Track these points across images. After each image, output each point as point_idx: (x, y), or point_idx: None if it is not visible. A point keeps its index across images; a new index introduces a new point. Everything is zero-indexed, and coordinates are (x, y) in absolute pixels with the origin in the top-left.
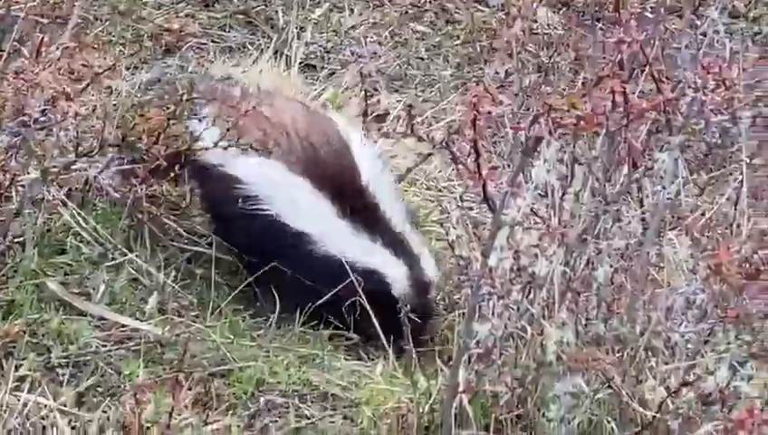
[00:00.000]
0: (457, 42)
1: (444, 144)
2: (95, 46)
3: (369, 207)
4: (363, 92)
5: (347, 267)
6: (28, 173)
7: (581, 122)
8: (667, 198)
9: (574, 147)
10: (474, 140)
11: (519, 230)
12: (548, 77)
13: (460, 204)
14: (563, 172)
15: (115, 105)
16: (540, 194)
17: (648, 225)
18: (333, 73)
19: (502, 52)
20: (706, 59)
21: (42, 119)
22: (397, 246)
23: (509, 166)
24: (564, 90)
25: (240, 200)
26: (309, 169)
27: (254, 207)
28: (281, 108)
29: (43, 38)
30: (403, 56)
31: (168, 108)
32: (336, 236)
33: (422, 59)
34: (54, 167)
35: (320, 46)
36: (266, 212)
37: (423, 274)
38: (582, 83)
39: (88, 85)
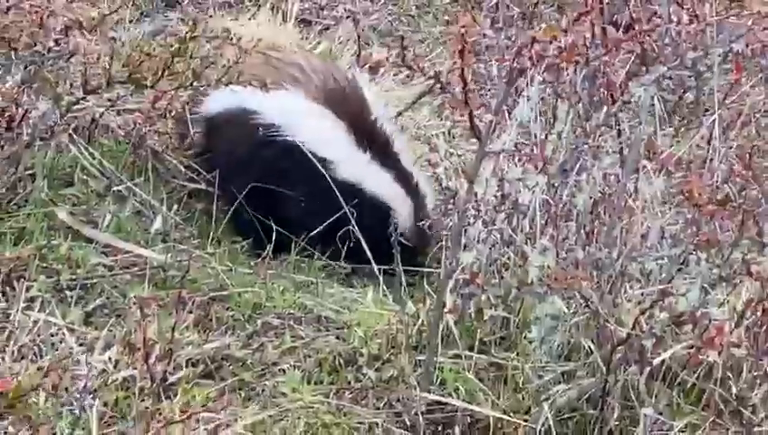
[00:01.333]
0: (446, 0)
1: (434, 75)
2: None
3: (383, 142)
4: (358, 44)
5: (362, 195)
6: (36, 108)
7: (563, 54)
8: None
9: (556, 81)
10: (461, 69)
11: (503, 160)
12: (531, 22)
13: (448, 138)
14: (545, 107)
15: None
16: (522, 129)
17: (625, 158)
18: (327, 29)
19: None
20: None
21: (55, 48)
22: (407, 182)
23: (493, 98)
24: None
25: (256, 130)
26: (328, 100)
27: (272, 134)
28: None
29: None
30: (394, 13)
31: (172, 46)
32: (354, 165)
33: (412, 16)
34: (68, 95)
35: (314, 3)
36: (286, 139)
37: (426, 212)
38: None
39: (103, 19)
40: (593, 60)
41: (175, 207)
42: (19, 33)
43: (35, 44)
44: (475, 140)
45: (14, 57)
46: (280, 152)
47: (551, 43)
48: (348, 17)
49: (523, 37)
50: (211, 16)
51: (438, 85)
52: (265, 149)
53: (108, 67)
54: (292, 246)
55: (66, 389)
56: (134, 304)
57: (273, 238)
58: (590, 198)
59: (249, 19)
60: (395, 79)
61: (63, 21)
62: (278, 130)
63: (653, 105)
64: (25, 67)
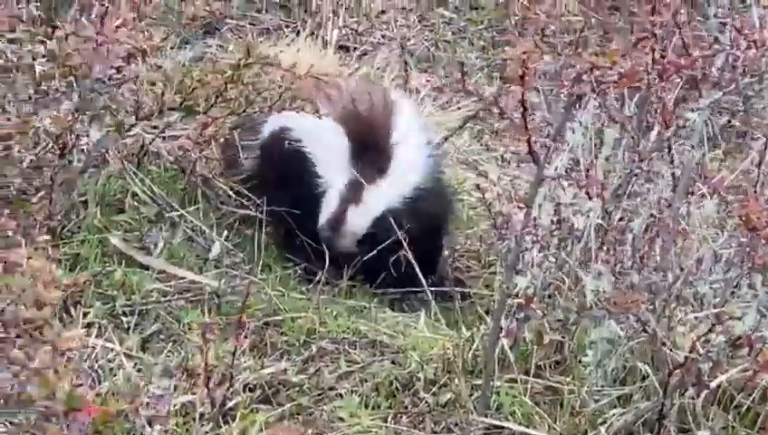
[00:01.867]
0: (482, 26)
1: (493, 98)
2: (153, 17)
3: (378, 162)
4: (405, 70)
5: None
6: (87, 135)
7: (623, 79)
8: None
9: (606, 106)
10: (522, 94)
11: (558, 184)
12: (578, 49)
13: (501, 163)
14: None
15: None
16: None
17: (678, 182)
18: (365, 54)
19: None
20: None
21: (116, 76)
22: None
23: (549, 123)
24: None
25: (286, 144)
26: (346, 117)
27: (297, 148)
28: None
29: (107, 7)
30: (430, 39)
31: (225, 72)
32: (332, 174)
33: (448, 42)
34: (126, 123)
35: (351, 29)
36: (305, 151)
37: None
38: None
39: (159, 45)
40: (652, 85)
41: (225, 233)
42: (80, 61)
43: (90, 73)
44: (523, 165)
45: (74, 84)
46: (299, 165)
47: (610, 69)
48: (382, 44)
49: (580, 63)
50: (250, 42)
51: (497, 110)
52: (292, 161)
53: (161, 94)
54: (345, 271)
55: (127, 415)
56: (190, 329)
57: (326, 264)
58: (645, 222)
59: (288, 45)
60: (434, 104)
61: (126, 48)
62: (301, 150)
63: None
64: (79, 95)
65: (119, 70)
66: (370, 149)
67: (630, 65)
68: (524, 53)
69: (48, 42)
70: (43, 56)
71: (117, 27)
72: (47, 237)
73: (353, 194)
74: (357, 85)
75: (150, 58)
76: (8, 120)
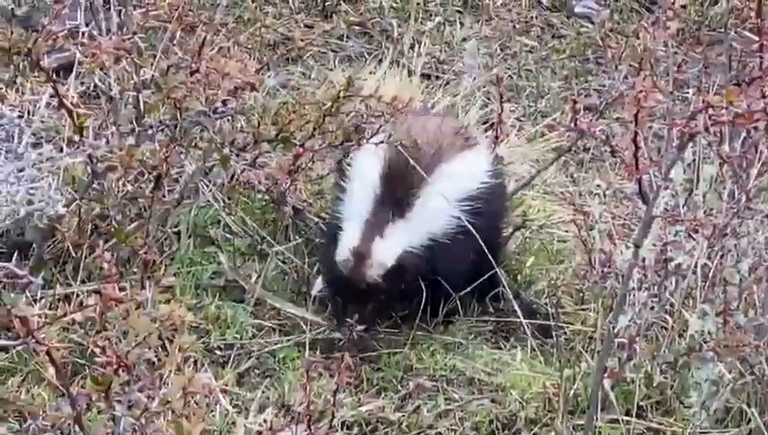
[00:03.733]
0: (564, 55)
1: (606, 138)
2: (249, 47)
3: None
4: (500, 104)
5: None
6: (181, 166)
7: (739, 119)
8: None
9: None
10: (635, 133)
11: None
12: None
13: (604, 200)
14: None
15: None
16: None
17: None
18: (448, 83)
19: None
20: None
21: (222, 109)
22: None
23: (652, 160)
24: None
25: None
26: (392, 159)
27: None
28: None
29: (205, 38)
30: (513, 68)
31: (324, 104)
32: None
33: (530, 71)
34: (231, 153)
35: (433, 57)
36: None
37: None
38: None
39: (262, 78)
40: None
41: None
42: (185, 94)
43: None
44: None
45: (178, 116)
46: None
47: (726, 108)
48: (465, 72)
49: (696, 102)
50: (332, 70)
51: (609, 149)
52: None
53: (257, 125)
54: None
55: None
56: (286, 365)
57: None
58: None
59: (371, 73)
60: (518, 134)
61: (235, 82)
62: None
63: None
64: (179, 126)
65: (224, 103)
66: (400, 188)
67: (747, 105)
68: (642, 91)
69: (153, 74)
70: (146, 87)
71: (223, 58)
72: (173, 279)
73: (379, 224)
74: (433, 122)
75: (259, 92)
76: (111, 151)
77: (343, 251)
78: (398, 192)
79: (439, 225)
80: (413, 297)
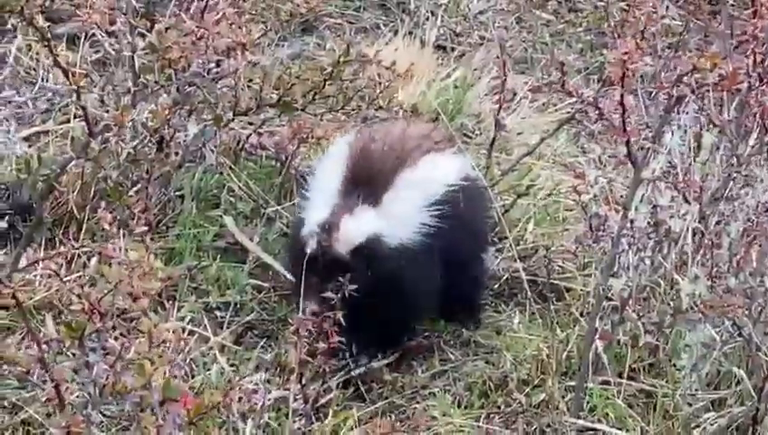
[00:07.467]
0: (580, 29)
1: (593, 100)
2: (252, 13)
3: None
4: (503, 71)
5: None
6: (184, 129)
7: (723, 81)
8: None
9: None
10: (621, 96)
11: (655, 187)
12: (677, 52)
13: (598, 165)
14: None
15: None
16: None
17: None
18: (463, 55)
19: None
20: None
21: (215, 69)
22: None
23: (647, 126)
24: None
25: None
26: (361, 147)
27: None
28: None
29: (207, 2)
30: (528, 41)
31: (324, 69)
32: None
33: (546, 44)
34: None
35: (449, 29)
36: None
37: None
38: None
39: (257, 41)
40: (753, 89)
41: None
42: (179, 54)
43: (188, 66)
44: (620, 168)
45: (173, 78)
46: None
47: (711, 71)
48: (480, 44)
49: (681, 65)
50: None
51: (595, 112)
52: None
53: (259, 89)
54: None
55: (220, 408)
56: (284, 325)
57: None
58: (742, 226)
59: (386, 44)
60: (531, 106)
61: (226, 42)
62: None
63: None
64: (177, 89)
65: (218, 64)
66: (370, 179)
67: (731, 68)
68: (625, 54)
69: (148, 34)
70: (143, 49)
71: (216, 21)
72: (145, 228)
73: (348, 206)
74: (418, 129)
75: (249, 53)
76: (107, 111)
77: (311, 225)
78: (367, 182)
79: (407, 230)
80: (378, 297)
